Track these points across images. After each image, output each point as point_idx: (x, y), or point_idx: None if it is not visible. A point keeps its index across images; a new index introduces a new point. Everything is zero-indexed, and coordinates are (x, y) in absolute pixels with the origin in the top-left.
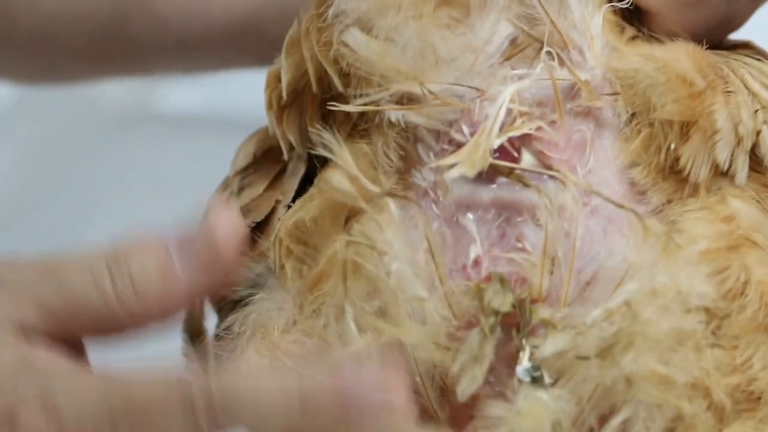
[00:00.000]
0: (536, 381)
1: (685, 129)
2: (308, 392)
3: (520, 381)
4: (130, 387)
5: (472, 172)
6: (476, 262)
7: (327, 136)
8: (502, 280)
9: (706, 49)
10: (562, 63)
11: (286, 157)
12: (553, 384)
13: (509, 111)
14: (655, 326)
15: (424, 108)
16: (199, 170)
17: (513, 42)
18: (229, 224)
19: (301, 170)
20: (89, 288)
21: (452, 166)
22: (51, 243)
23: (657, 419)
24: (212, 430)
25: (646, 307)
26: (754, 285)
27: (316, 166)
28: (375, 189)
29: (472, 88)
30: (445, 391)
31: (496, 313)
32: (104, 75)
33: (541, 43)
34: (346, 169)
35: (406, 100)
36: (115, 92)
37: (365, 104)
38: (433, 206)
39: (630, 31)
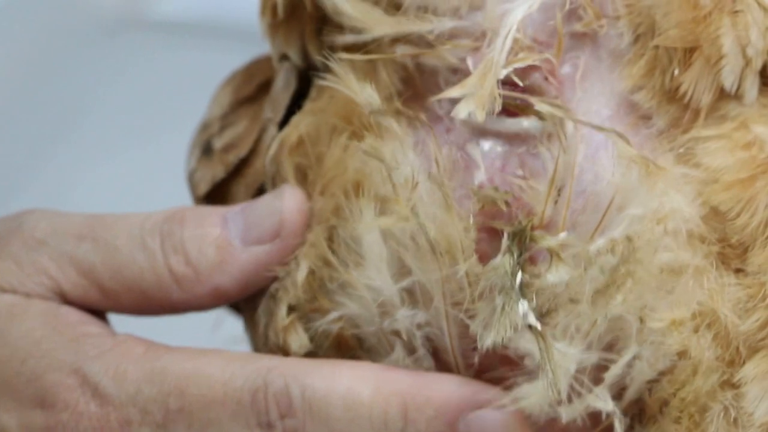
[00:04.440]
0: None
1: (688, 54)
2: (411, 402)
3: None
4: (190, 386)
5: (481, 114)
6: (480, 188)
7: (332, 62)
8: (497, 188)
9: None
10: None
11: (275, 65)
12: (546, 314)
13: (513, 41)
14: (654, 257)
15: (433, 51)
16: (190, 77)
17: None
18: (297, 201)
19: (294, 84)
20: (137, 251)
21: (460, 99)
22: (37, 146)
23: (661, 356)
24: None
25: (645, 235)
26: None
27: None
28: (385, 107)
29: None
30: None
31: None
32: None
33: None
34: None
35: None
36: None
37: (367, 42)
38: (445, 134)
39: None
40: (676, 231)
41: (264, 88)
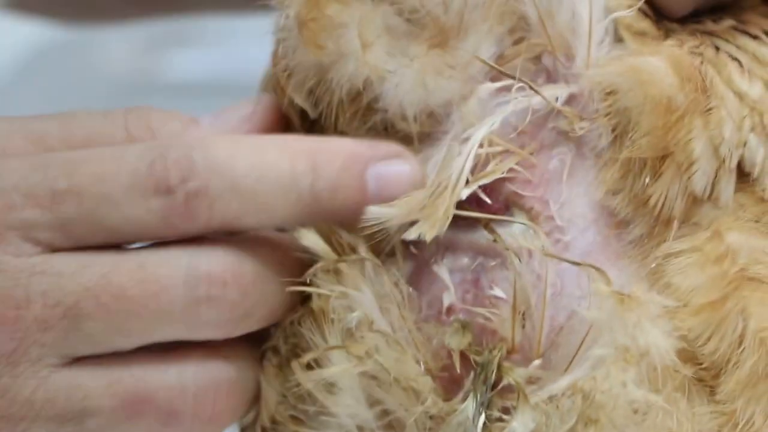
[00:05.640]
0: None
1: (659, 163)
2: (318, 157)
3: None
4: (80, 165)
5: (430, 235)
6: (450, 310)
7: None
8: (465, 325)
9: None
10: (549, 77)
11: None
12: None
13: (484, 144)
14: (620, 397)
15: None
16: None
17: (501, 56)
18: None
19: None
20: None
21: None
22: None
23: None
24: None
25: (612, 375)
26: (751, 333)
27: None
28: (334, 257)
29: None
30: None
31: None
32: (146, 14)
33: (513, 78)
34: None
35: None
36: (122, 60)
37: None
38: (411, 247)
39: (644, 23)
40: (649, 365)
41: None
